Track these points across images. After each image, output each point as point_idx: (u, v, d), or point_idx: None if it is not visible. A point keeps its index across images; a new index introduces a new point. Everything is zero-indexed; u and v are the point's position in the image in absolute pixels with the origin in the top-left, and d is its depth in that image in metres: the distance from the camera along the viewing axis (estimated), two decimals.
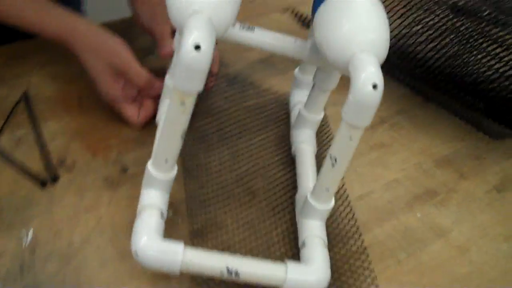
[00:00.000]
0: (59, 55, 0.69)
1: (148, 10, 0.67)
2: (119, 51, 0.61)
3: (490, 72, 0.65)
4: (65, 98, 0.66)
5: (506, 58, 0.64)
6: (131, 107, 0.63)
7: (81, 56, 0.61)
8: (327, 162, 0.49)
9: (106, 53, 0.61)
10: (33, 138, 0.60)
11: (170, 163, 0.51)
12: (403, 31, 0.68)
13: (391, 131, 0.72)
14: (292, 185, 0.61)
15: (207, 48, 0.42)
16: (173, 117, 0.48)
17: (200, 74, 0.43)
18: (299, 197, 0.58)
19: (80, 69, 0.61)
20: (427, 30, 0.67)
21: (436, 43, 0.67)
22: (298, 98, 0.69)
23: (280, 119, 0.68)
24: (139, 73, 0.61)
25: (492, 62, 0.65)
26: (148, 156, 0.52)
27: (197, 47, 0.42)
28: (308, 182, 0.59)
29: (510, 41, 0.64)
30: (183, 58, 0.42)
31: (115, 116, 0.64)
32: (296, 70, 0.69)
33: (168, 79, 0.61)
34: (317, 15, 0.48)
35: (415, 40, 0.68)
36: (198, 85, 0.44)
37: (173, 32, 0.65)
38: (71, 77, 0.69)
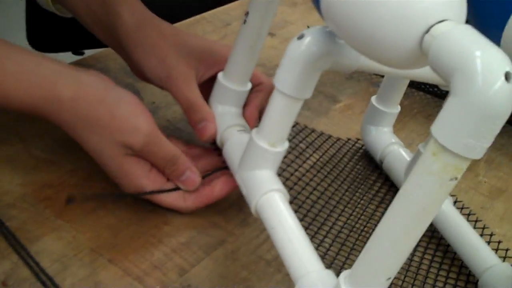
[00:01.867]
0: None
1: (159, 66, 0.50)
2: (135, 124, 0.44)
3: None
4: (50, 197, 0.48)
5: None
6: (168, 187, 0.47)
7: (77, 134, 0.45)
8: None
9: (115, 130, 0.44)
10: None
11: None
12: None
13: (494, 170, 0.60)
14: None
15: None
16: (429, 202, 0.28)
17: (503, 121, 0.27)
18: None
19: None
20: None
21: None
22: (385, 138, 0.55)
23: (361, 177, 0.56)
24: (167, 150, 0.46)
25: None
26: None
27: (508, 76, 0.27)
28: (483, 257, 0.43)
29: None
30: (486, 94, 0.26)
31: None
32: (374, 100, 0.56)
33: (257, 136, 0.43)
34: None
35: None
36: (490, 141, 0.28)
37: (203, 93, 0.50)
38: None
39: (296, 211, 0.48)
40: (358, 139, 0.60)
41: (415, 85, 0.70)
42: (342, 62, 0.40)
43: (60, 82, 0.43)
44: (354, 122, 0.63)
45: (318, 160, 0.56)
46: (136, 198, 0.47)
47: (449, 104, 0.27)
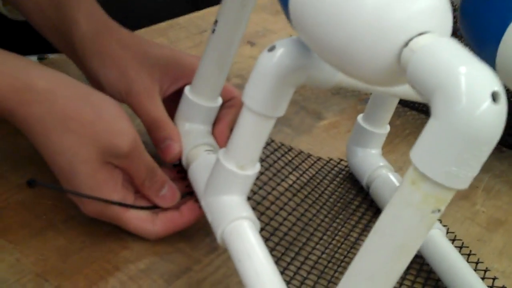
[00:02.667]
0: None
1: (119, 79, 0.49)
2: (123, 127, 0.43)
3: None
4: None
5: None
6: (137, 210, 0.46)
7: (44, 133, 0.42)
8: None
9: (102, 131, 0.42)
10: None
11: None
12: None
13: (493, 199, 0.60)
14: None
15: (504, 98, 0.27)
16: (409, 238, 0.28)
17: (490, 147, 0.27)
18: None
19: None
20: None
21: None
22: (372, 161, 0.55)
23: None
24: (149, 159, 0.45)
25: None
26: None
27: (495, 96, 0.26)
28: None
29: None
30: (471, 117, 0.26)
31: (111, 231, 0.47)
32: (361, 118, 0.56)
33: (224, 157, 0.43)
34: None
35: None
36: (476, 170, 0.27)
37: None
38: None
39: (268, 239, 0.47)
40: (342, 160, 0.59)
41: (408, 104, 0.70)
42: (319, 77, 0.40)
43: (34, 72, 0.42)
44: (339, 142, 0.63)
45: (295, 181, 0.55)
46: (102, 204, 0.44)
47: (429, 127, 0.27)
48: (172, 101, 0.50)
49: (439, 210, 0.28)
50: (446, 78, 0.26)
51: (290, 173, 0.56)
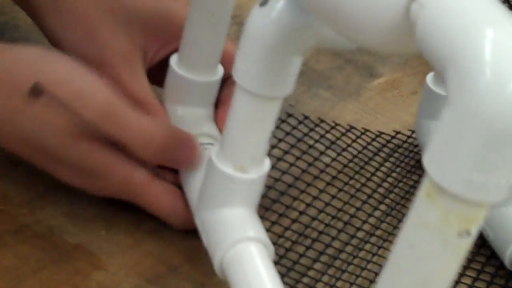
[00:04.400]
0: None
1: (87, 42, 0.49)
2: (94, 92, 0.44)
3: None
4: None
5: None
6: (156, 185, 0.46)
7: None
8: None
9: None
10: None
11: None
12: None
13: None
14: None
15: None
16: (431, 271, 0.27)
17: None
18: None
19: None
20: None
21: None
22: None
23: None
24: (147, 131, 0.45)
25: None
26: None
27: None
28: None
29: None
30: (497, 99, 0.24)
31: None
32: (430, 80, 0.55)
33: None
34: None
35: None
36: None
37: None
38: None
39: (290, 269, 0.45)
40: (398, 132, 0.58)
41: None
42: (333, 37, 0.38)
43: None
44: (400, 109, 0.61)
45: (329, 164, 0.54)
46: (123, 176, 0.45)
47: (444, 118, 0.25)
48: (160, 72, 0.49)
49: (468, 233, 0.25)
50: (464, 45, 0.24)
51: (322, 154, 0.54)
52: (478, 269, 0.48)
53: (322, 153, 0.54)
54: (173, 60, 0.48)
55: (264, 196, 0.45)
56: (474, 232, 0.26)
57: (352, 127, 0.57)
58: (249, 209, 0.41)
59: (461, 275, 0.47)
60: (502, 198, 0.25)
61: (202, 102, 0.49)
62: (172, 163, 0.46)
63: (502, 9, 0.25)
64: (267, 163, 0.42)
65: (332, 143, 0.55)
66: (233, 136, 0.40)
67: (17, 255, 0.44)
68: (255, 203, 0.42)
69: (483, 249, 0.49)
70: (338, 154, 0.54)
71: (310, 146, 0.54)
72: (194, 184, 0.44)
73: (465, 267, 0.48)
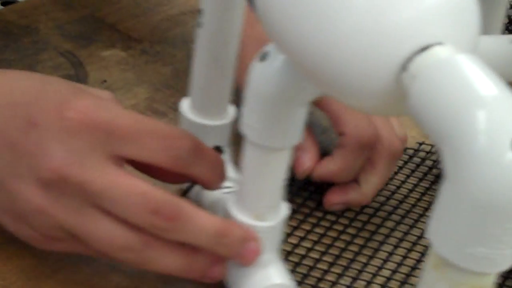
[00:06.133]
0: None
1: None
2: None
3: None
4: None
5: None
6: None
7: None
8: None
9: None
10: None
11: None
12: None
13: None
14: None
15: None
16: None
17: None
18: None
19: None
20: None
21: None
22: None
23: None
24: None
25: None
26: None
27: None
28: None
29: None
30: (493, 175, 0.24)
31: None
32: None
33: None
34: None
35: None
36: None
37: None
38: None
39: None
40: (422, 143, 0.58)
41: None
42: None
43: None
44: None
45: None
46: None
47: (443, 192, 0.25)
48: None
49: None
50: (456, 122, 0.25)
51: None
52: None
53: None
54: (184, 106, 0.49)
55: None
56: None
57: None
58: (271, 255, 0.42)
59: None
60: (507, 266, 0.25)
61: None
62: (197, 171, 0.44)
63: (492, 78, 0.25)
64: (285, 208, 0.42)
65: None
66: (248, 187, 0.41)
67: (36, 255, 0.45)
68: (276, 248, 0.42)
69: None
70: None
71: None
72: None
73: None
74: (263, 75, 0.37)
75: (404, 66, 0.27)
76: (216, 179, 0.44)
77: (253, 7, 0.33)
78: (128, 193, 0.39)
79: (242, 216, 0.41)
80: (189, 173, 0.42)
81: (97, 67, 0.60)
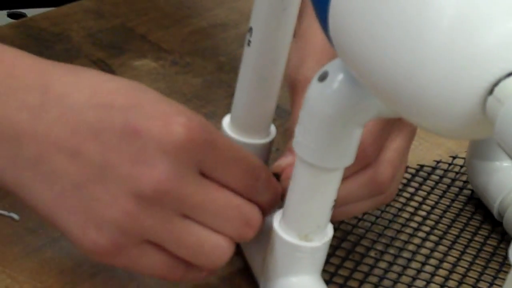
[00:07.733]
0: None
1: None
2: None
3: None
4: None
5: None
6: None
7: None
8: None
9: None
10: None
11: None
12: None
13: None
14: None
15: None
16: None
17: None
18: None
19: None
20: None
21: None
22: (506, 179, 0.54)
23: None
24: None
25: None
26: None
27: None
28: None
29: None
30: None
31: None
32: None
33: None
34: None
35: None
36: None
37: None
38: None
39: None
40: (439, 161, 0.58)
41: None
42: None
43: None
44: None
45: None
46: None
47: None
48: None
49: None
50: None
51: None
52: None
53: None
54: (225, 123, 0.49)
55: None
56: None
57: None
58: (314, 276, 0.42)
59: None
60: None
61: None
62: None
63: None
64: (330, 229, 0.42)
65: None
66: (296, 206, 0.41)
67: (73, 259, 0.46)
68: (319, 269, 0.43)
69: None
70: None
71: None
72: (257, 254, 0.45)
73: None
74: (322, 95, 0.37)
75: (491, 90, 0.27)
76: (274, 207, 0.44)
77: (324, 30, 0.33)
78: (225, 206, 0.41)
79: (287, 236, 0.41)
80: (254, 200, 0.42)
81: (129, 77, 0.60)
